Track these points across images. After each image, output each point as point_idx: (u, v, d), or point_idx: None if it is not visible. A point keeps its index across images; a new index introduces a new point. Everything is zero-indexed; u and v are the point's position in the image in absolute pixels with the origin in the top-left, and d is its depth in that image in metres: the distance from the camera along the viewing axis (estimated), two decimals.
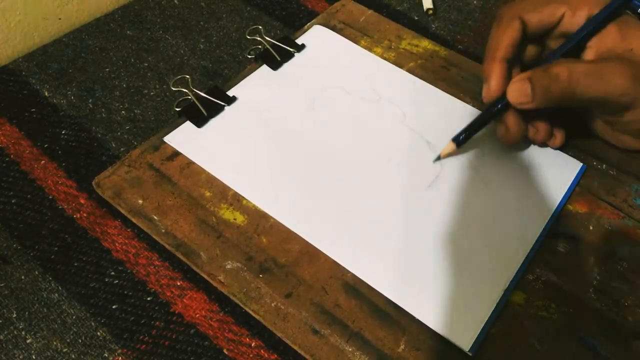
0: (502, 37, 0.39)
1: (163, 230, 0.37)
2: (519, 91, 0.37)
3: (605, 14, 0.38)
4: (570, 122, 0.42)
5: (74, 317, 0.35)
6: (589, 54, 0.38)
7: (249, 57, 0.48)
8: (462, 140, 0.41)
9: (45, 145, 0.43)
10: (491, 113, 0.40)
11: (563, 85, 0.36)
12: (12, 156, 0.42)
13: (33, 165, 0.42)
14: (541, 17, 0.39)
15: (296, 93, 0.45)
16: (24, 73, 0.47)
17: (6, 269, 0.37)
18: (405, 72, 0.48)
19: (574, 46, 0.39)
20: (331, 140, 0.43)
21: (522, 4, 0.40)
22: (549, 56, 0.40)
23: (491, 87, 0.39)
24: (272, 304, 0.35)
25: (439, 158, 0.42)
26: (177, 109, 0.43)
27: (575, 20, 0.39)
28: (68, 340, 0.34)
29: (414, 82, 0.47)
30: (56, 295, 0.36)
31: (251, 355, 0.34)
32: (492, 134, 0.44)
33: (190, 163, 0.41)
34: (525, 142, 0.43)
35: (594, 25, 0.38)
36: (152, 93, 0.47)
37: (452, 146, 0.41)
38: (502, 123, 0.40)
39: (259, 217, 0.38)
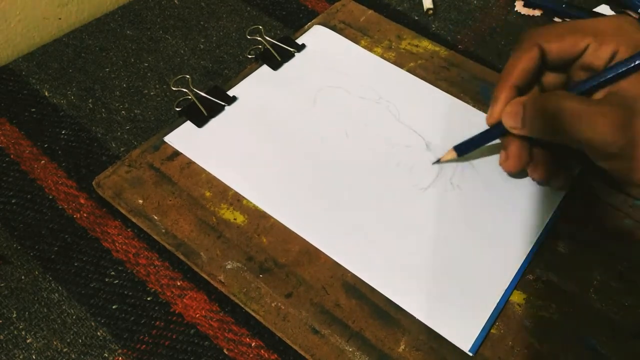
0: (516, 63, 0.37)
1: (163, 230, 0.37)
2: (511, 114, 0.37)
3: (632, 64, 0.34)
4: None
5: (74, 317, 0.35)
6: (602, 91, 0.36)
7: (249, 57, 0.48)
8: (463, 151, 0.41)
9: (45, 145, 0.43)
10: (492, 134, 0.40)
11: (548, 120, 0.35)
12: (12, 156, 0.42)
13: (33, 165, 0.42)
14: (562, 47, 0.36)
15: (296, 93, 0.45)
16: (24, 73, 0.47)
17: (6, 269, 0.37)
18: (405, 72, 0.48)
19: (592, 87, 0.36)
20: (331, 140, 0.43)
21: (545, 30, 0.37)
22: (569, 87, 0.37)
23: (494, 111, 0.38)
24: (272, 304, 0.35)
25: (438, 161, 0.42)
26: (178, 109, 0.43)
27: (600, 54, 0.35)
28: (68, 340, 0.34)
29: (414, 82, 0.47)
30: (56, 295, 0.36)
31: (251, 355, 0.34)
32: None
33: (190, 163, 0.41)
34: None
35: (620, 73, 0.35)
36: (152, 93, 0.47)
37: (452, 154, 0.41)
38: (504, 149, 0.39)
39: (259, 217, 0.38)
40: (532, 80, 0.38)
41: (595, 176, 0.41)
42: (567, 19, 0.54)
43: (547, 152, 0.39)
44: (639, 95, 0.34)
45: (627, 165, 0.34)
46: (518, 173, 0.40)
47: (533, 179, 0.40)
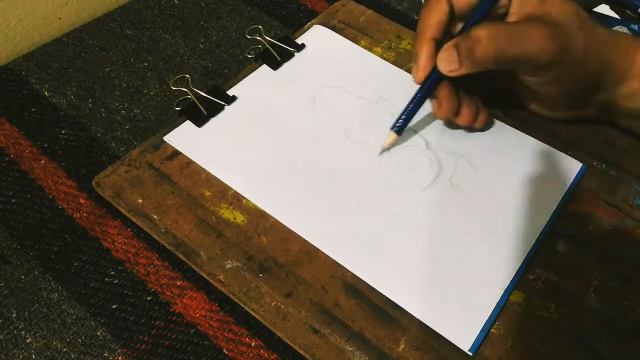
0: (429, 18, 0.39)
1: (163, 230, 0.37)
2: (446, 59, 0.38)
3: None
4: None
5: (74, 317, 0.35)
6: (511, 19, 0.39)
7: (249, 57, 0.48)
8: (402, 128, 0.41)
9: (45, 145, 0.43)
10: (424, 90, 0.40)
11: (484, 46, 0.37)
12: (12, 156, 0.42)
13: (33, 165, 0.42)
14: None
15: (296, 93, 0.45)
16: (24, 73, 0.47)
17: (6, 269, 0.37)
18: (405, 72, 0.48)
19: (487, 10, 0.39)
20: (331, 140, 0.43)
21: None
22: (466, 22, 0.40)
23: (420, 66, 0.40)
24: (272, 304, 0.35)
25: (384, 150, 0.42)
26: (178, 109, 0.43)
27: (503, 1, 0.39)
28: (68, 340, 0.34)
29: (413, 83, 0.47)
30: (56, 295, 0.36)
31: (251, 355, 0.34)
32: (493, 134, 0.44)
33: (190, 163, 0.41)
34: (525, 142, 0.43)
35: None
36: (152, 93, 0.47)
37: (393, 136, 0.42)
38: (435, 98, 0.41)
39: (259, 217, 0.38)
40: (446, 32, 0.40)
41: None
42: None
43: (469, 96, 0.42)
44: (547, 12, 0.37)
45: (556, 76, 0.38)
46: (448, 117, 0.42)
47: (460, 125, 0.42)
